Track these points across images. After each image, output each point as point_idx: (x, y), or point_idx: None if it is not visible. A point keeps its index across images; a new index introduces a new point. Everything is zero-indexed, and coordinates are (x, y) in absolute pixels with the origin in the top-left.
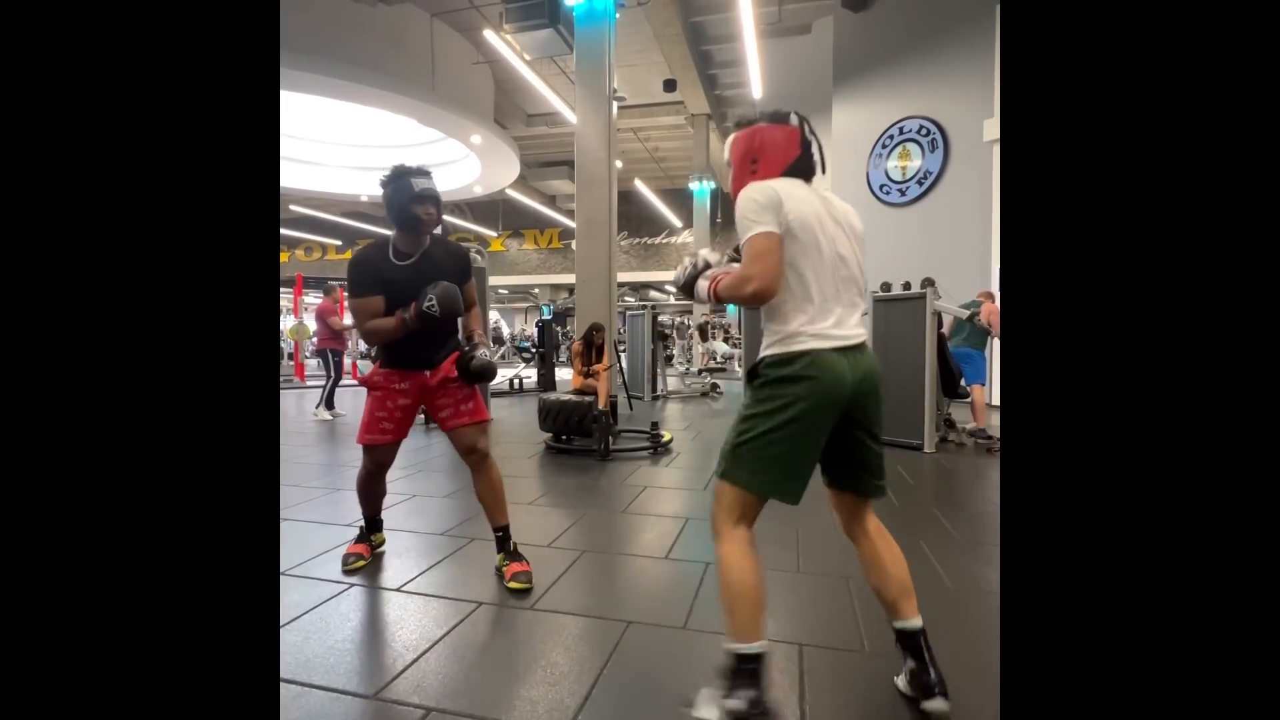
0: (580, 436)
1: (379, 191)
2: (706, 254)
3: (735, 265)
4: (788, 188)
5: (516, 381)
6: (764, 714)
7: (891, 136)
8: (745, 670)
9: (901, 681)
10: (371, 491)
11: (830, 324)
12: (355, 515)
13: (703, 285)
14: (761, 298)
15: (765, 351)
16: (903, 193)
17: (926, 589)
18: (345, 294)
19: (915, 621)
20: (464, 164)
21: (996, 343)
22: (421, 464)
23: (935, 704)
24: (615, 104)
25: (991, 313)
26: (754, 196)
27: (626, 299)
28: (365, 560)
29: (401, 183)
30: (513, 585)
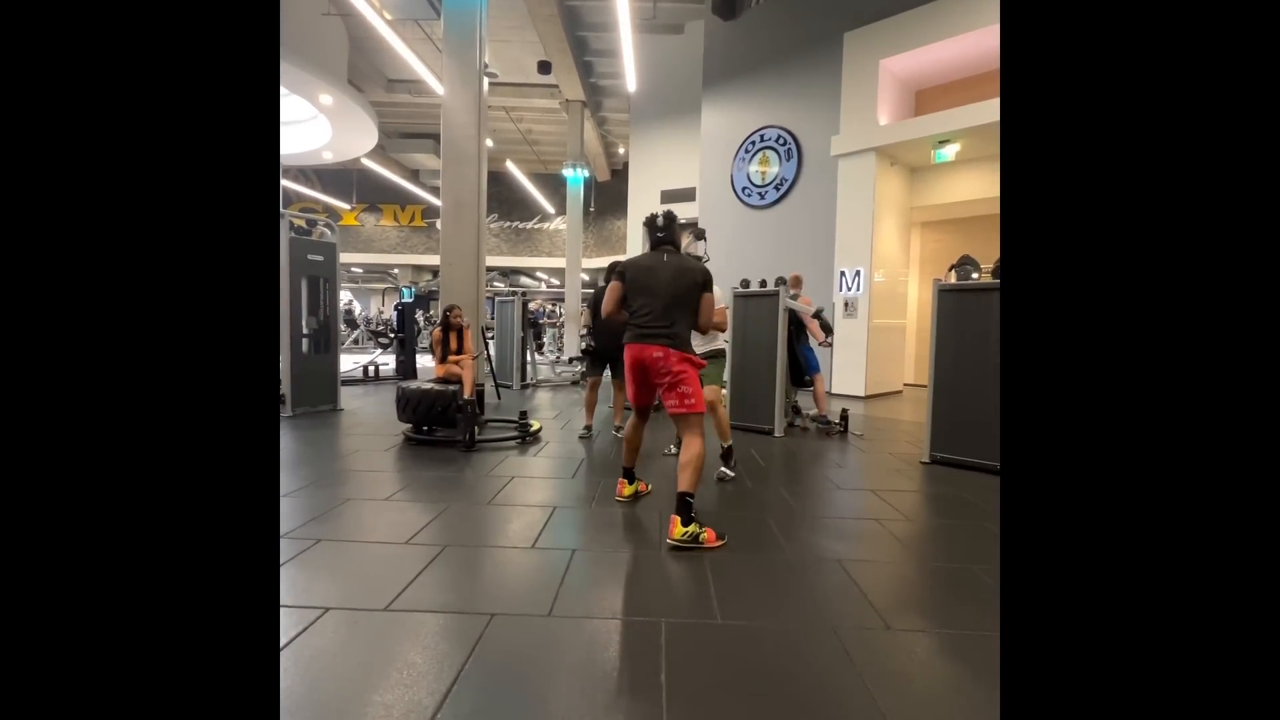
0: (443, 427)
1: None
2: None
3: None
4: None
5: (371, 369)
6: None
7: (754, 142)
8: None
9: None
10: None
11: None
12: None
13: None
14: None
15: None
16: (762, 196)
17: (769, 559)
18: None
19: (814, 410)
20: (311, 126)
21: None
22: None
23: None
24: (487, 79)
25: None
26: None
27: (496, 284)
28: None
29: None
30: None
